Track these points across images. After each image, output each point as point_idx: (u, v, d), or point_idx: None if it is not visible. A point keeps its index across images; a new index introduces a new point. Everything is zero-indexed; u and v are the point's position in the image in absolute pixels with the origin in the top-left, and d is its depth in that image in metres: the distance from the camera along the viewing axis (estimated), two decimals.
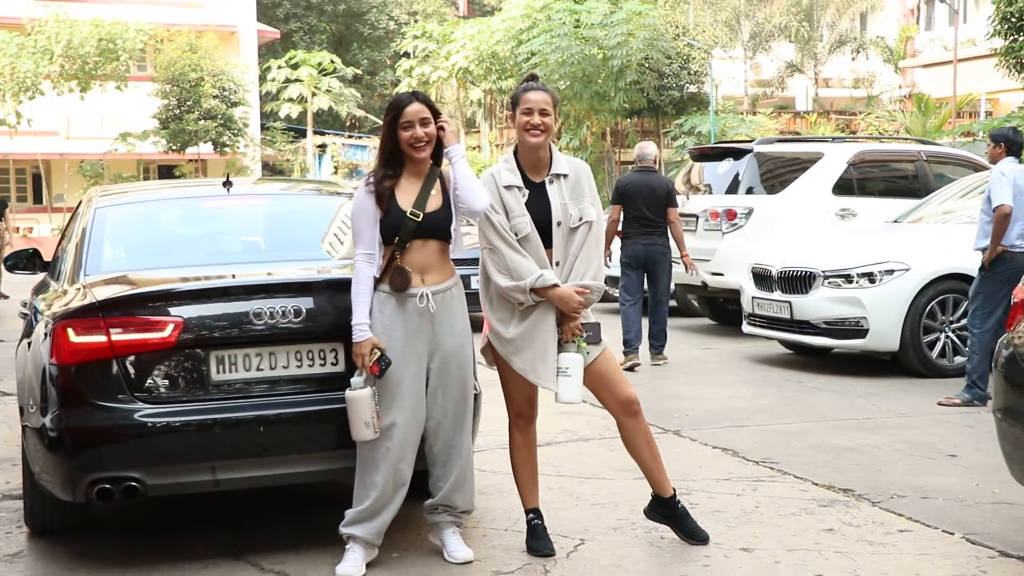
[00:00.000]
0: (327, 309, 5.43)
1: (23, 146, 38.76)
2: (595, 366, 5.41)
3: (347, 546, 5.29)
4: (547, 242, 5.32)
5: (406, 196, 5.26)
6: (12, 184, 42.66)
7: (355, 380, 5.17)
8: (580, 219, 5.34)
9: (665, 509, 5.64)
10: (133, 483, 5.13)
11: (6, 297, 19.98)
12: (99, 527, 6.07)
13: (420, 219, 5.22)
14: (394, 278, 5.20)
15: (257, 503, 6.43)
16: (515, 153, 5.45)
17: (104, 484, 5.12)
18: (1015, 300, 5.94)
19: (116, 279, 5.76)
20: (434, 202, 5.30)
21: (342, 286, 5.44)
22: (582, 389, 5.36)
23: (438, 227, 5.30)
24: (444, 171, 5.41)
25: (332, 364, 5.44)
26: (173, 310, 5.27)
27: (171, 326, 5.22)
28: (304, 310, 5.37)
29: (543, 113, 5.31)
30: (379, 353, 5.15)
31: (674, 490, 5.64)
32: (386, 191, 5.23)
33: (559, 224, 5.32)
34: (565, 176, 5.40)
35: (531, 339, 5.30)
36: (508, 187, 5.33)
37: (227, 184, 6.76)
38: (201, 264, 6.11)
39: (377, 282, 5.24)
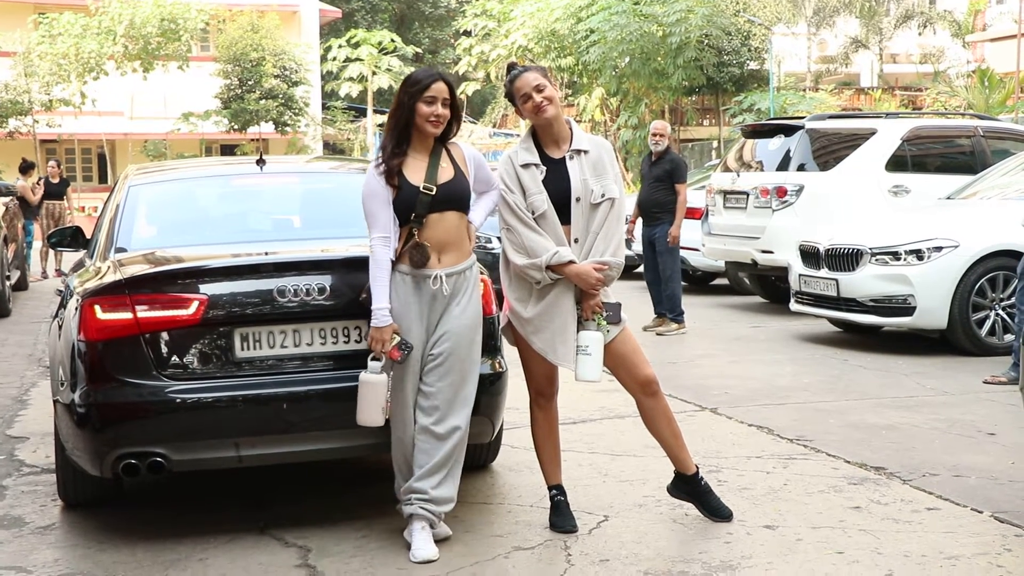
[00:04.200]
0: (351, 287, 5.45)
1: (88, 126, 39.25)
2: (614, 346, 5.40)
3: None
4: (565, 219, 5.29)
5: (415, 172, 5.23)
6: (78, 163, 43.26)
7: (372, 364, 5.15)
8: (603, 195, 5.31)
9: (688, 486, 5.64)
10: (158, 458, 5.20)
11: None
12: (130, 501, 6.17)
13: (434, 192, 5.21)
14: (413, 255, 5.16)
15: (283, 479, 6.50)
16: (533, 133, 5.45)
17: (130, 459, 5.20)
18: None
19: (145, 257, 5.84)
20: (445, 174, 5.28)
21: (365, 264, 5.48)
22: (602, 368, 5.35)
23: (453, 197, 5.27)
24: (448, 145, 5.40)
25: (356, 342, 5.46)
26: (197, 287, 5.33)
27: (196, 303, 5.28)
28: (328, 288, 5.40)
29: (539, 89, 5.27)
30: (398, 338, 5.16)
31: (696, 467, 5.63)
32: (395, 167, 5.21)
33: (578, 200, 5.30)
34: (586, 152, 5.37)
35: (550, 319, 5.31)
36: (525, 165, 5.32)
37: (260, 162, 6.83)
38: (231, 242, 6.16)
39: (394, 263, 5.22)
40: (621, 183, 5.45)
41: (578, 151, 5.37)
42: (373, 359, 5.16)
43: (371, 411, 5.13)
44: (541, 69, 5.41)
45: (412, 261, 5.18)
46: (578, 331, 5.32)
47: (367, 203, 5.25)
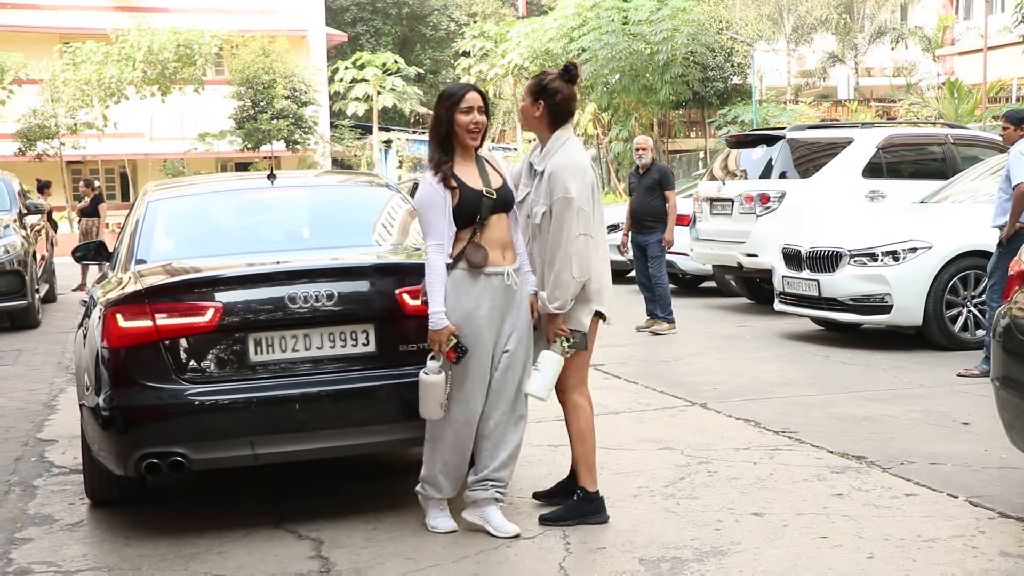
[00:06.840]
0: (358, 293, 5.46)
1: (111, 147, 39.30)
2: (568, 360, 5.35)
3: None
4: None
5: (469, 178, 5.20)
6: (102, 182, 43.00)
7: (431, 364, 5.11)
8: (540, 215, 5.28)
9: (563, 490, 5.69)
10: (179, 458, 5.20)
11: None
12: (152, 499, 6.17)
13: (495, 196, 5.20)
14: (472, 255, 5.11)
15: (296, 476, 6.48)
16: None
17: (152, 459, 5.20)
18: (1012, 272, 5.81)
19: (163, 267, 5.83)
20: (495, 179, 5.28)
21: (371, 272, 5.50)
22: (550, 389, 5.27)
23: (508, 200, 5.28)
24: (483, 154, 5.35)
25: (364, 344, 5.45)
26: (213, 295, 5.33)
27: (212, 310, 5.27)
28: (337, 294, 5.39)
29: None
30: (455, 340, 5.10)
31: (576, 488, 5.55)
32: (450, 172, 5.17)
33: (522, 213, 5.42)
34: (541, 173, 5.31)
35: None
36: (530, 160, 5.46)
37: (271, 177, 6.83)
38: (245, 252, 6.14)
39: (452, 264, 5.14)
40: (567, 209, 5.18)
41: (539, 172, 5.34)
42: (432, 359, 5.14)
43: (430, 407, 5.12)
44: (538, 82, 5.38)
45: (472, 262, 5.13)
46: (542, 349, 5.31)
47: (423, 212, 5.18)
